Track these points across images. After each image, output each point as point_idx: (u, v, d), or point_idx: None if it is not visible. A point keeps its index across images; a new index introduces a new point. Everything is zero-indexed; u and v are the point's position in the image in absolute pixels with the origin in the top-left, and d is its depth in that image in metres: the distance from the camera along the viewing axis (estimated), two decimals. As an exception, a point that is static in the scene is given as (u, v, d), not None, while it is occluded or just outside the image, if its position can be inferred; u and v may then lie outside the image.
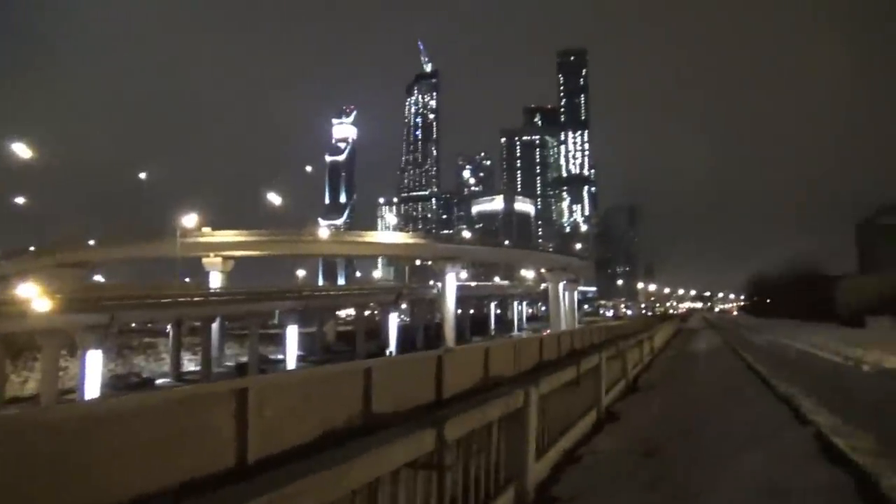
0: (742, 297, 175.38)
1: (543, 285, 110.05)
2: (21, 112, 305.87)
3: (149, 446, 3.02)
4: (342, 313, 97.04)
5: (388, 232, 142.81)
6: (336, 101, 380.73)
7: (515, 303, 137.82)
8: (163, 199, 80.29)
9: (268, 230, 70.97)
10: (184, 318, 56.35)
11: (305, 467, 2.79)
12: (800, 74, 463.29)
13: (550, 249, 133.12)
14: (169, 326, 59.53)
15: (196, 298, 53.37)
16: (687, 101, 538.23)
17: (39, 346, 41.28)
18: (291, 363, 58.24)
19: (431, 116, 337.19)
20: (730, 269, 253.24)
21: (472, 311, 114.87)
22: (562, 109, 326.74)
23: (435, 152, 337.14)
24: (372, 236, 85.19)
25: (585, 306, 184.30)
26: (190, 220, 62.70)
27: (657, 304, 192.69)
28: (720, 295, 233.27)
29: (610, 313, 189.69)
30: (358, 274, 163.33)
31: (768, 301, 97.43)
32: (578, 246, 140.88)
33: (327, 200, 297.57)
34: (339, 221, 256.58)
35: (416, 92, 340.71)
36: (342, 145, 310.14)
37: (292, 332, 60.60)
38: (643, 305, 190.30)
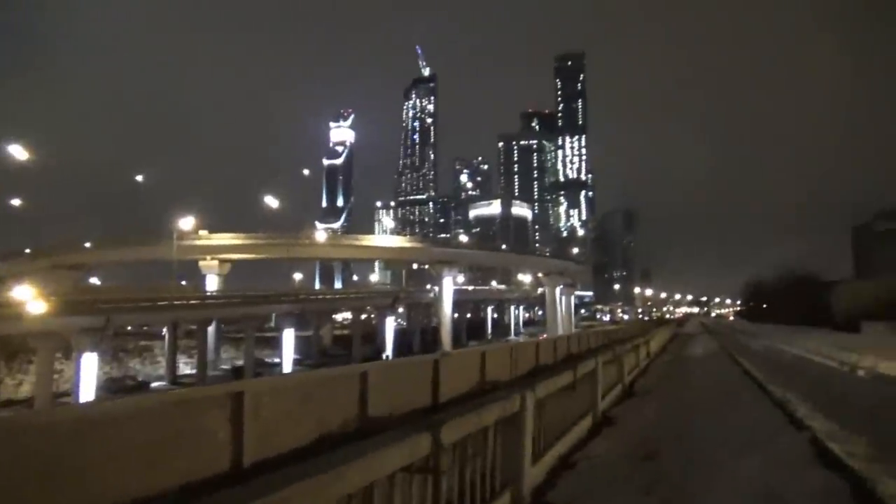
0: (739, 303, 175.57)
1: (540, 290, 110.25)
2: (21, 112, 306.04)
3: (144, 449, 3.01)
4: (339, 317, 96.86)
5: (385, 236, 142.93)
6: (334, 104, 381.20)
7: (512, 307, 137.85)
8: (160, 200, 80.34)
9: (264, 233, 70.92)
10: (180, 322, 56.21)
11: (301, 471, 2.79)
12: (800, 75, 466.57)
13: (547, 254, 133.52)
14: (165, 329, 59.37)
15: (192, 301, 53.22)
16: (686, 101, 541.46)
17: (34, 349, 41.11)
18: (287, 367, 58.08)
19: (429, 120, 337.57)
20: (726, 275, 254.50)
21: (468, 316, 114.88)
22: (559, 114, 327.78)
23: (432, 156, 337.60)
24: (369, 240, 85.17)
25: (582, 311, 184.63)
26: (187, 222, 62.66)
27: (654, 309, 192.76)
28: (717, 300, 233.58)
29: (607, 318, 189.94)
30: (355, 278, 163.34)
31: (764, 306, 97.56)
32: (575, 250, 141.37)
33: (324, 204, 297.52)
34: (337, 225, 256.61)
35: (413, 96, 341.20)
36: (340, 149, 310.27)
37: (288, 336, 60.51)
38: (640, 310, 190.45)
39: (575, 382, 8.53)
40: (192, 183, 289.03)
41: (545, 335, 63.85)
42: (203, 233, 66.68)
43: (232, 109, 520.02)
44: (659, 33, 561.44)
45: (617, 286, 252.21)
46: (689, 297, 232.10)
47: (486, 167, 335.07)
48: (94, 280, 75.98)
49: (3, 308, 35.72)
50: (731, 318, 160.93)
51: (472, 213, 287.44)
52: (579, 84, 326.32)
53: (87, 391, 38.78)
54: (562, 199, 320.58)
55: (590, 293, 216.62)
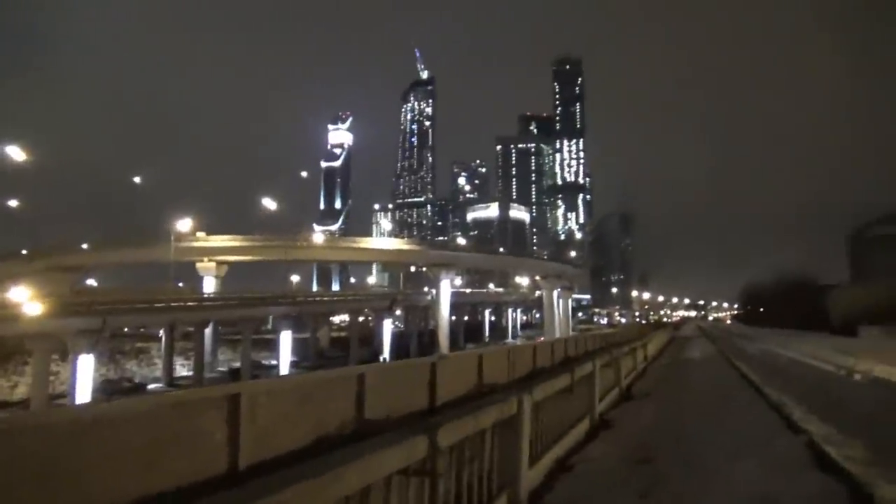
0: (736, 306, 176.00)
1: (538, 293, 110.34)
2: (20, 112, 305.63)
3: (140, 451, 3.00)
4: (336, 319, 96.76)
5: (382, 238, 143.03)
6: (333, 105, 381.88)
7: (510, 310, 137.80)
8: (158, 201, 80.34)
9: (262, 235, 70.86)
10: (177, 323, 56.04)
11: (298, 473, 2.78)
12: (800, 75, 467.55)
13: (545, 257, 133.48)
14: (162, 331, 59.21)
15: (189, 303, 53.10)
16: (686, 101, 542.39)
17: (30, 351, 40.95)
18: (284, 369, 57.95)
19: (427, 123, 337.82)
20: (724, 278, 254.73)
21: (466, 318, 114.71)
22: (557, 118, 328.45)
23: (430, 159, 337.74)
24: (366, 242, 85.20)
25: (580, 314, 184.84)
26: (184, 224, 62.55)
27: (651, 313, 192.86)
28: (714, 304, 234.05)
29: (604, 321, 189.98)
30: (352, 280, 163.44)
31: (761, 310, 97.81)
32: (573, 254, 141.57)
33: (322, 206, 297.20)
34: (334, 227, 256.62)
35: (412, 99, 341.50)
36: (338, 151, 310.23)
37: (286, 338, 60.38)
38: (637, 313, 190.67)
39: (572, 385, 8.53)
40: (191, 184, 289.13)
41: (542, 338, 63.82)
42: (200, 234, 66.58)
43: (232, 109, 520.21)
44: (659, 33, 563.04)
45: (614, 289, 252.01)
46: (687, 301, 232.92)
47: (483, 170, 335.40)
48: (91, 282, 75.77)
49: (0, 309, 35.62)
50: (729, 321, 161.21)
51: (470, 216, 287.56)
52: (577, 88, 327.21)
53: (84, 393, 38.62)
54: (559, 202, 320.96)
55: (587, 296, 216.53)
